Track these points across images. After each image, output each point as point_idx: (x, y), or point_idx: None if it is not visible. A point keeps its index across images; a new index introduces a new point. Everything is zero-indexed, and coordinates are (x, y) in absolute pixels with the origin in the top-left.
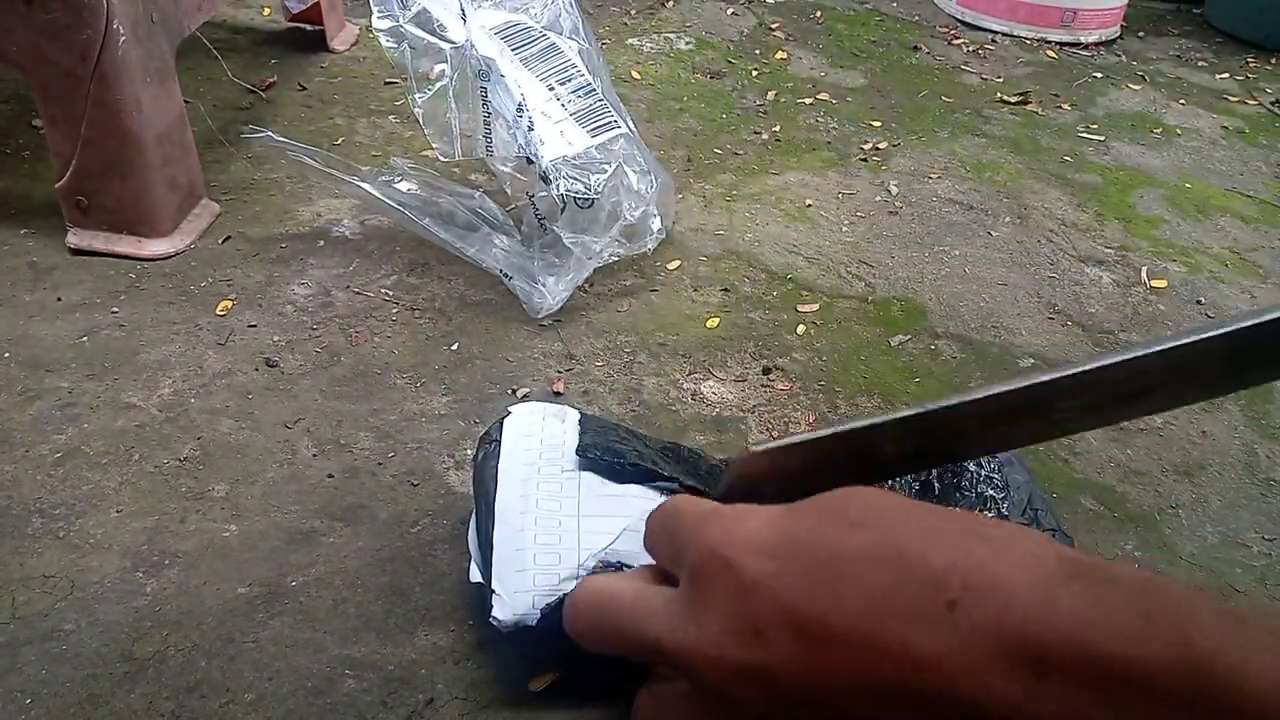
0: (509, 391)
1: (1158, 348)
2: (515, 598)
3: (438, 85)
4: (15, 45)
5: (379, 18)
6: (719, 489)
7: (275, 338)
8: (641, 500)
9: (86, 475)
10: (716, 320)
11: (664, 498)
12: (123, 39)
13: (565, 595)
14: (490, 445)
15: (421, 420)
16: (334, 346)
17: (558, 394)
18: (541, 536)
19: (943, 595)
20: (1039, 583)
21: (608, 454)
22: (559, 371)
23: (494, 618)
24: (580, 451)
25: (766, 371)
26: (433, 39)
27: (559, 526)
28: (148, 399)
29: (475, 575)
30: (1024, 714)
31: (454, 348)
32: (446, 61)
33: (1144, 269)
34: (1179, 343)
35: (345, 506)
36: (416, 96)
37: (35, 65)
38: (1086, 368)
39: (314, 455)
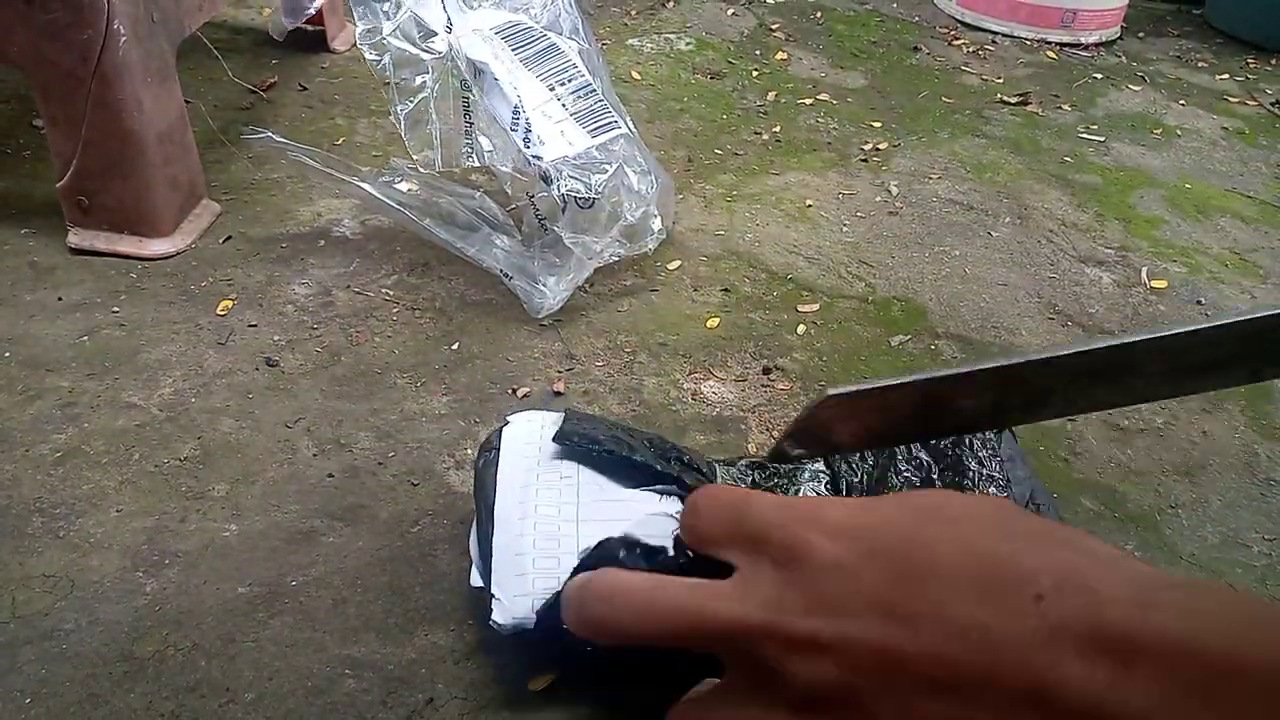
0: (509, 391)
1: (1239, 319)
2: (515, 601)
3: (419, 96)
4: (16, 45)
5: (361, 30)
6: (788, 429)
7: (276, 337)
8: (641, 504)
9: (87, 475)
10: (717, 320)
11: (664, 500)
12: (123, 39)
13: (559, 594)
14: (490, 453)
15: (422, 420)
16: (334, 346)
17: (558, 394)
18: (541, 541)
19: (1030, 590)
20: (1134, 589)
21: (585, 440)
22: (559, 371)
23: (494, 621)
24: (559, 438)
25: (767, 371)
26: (415, 50)
27: (558, 531)
28: (148, 398)
29: (476, 580)
30: (1104, 704)
31: (454, 347)
32: (428, 72)
33: (1144, 269)
34: (1261, 315)
35: (345, 506)
36: (399, 108)
37: (36, 65)
38: (1172, 332)
39: (314, 455)
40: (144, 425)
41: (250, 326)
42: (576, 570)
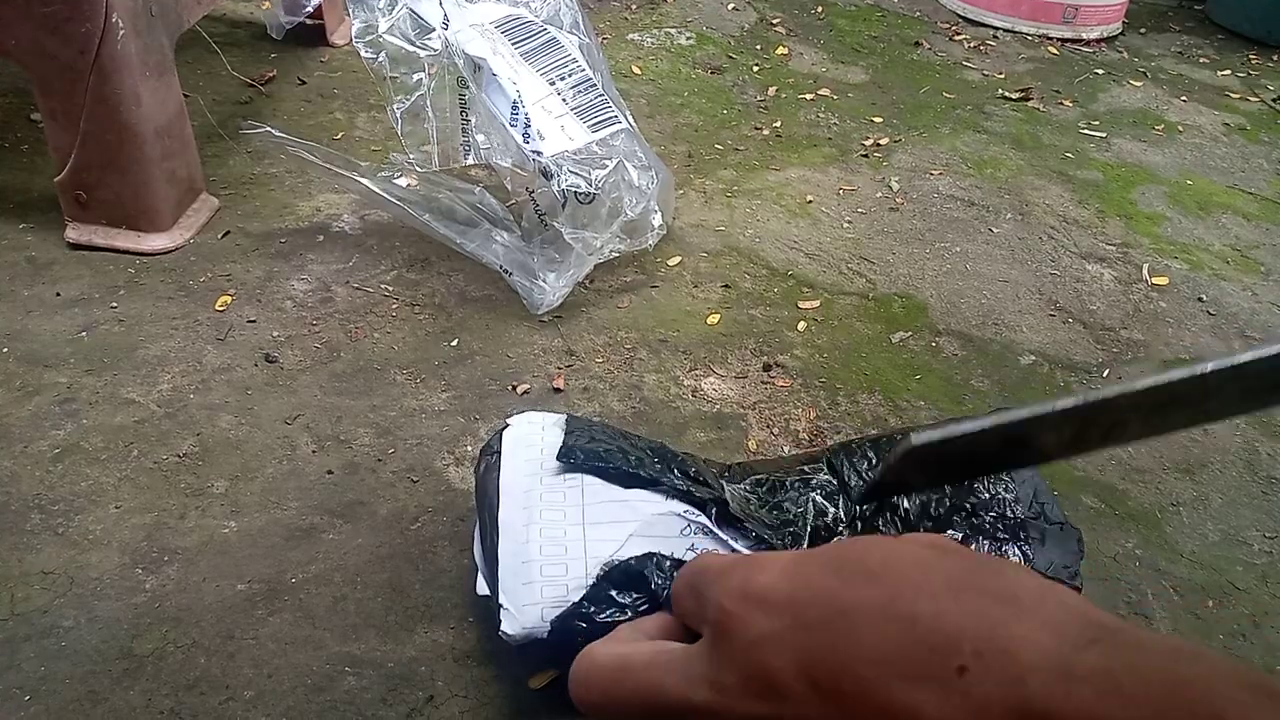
0: (509, 387)
1: None
2: (523, 611)
3: (415, 95)
4: (14, 39)
5: (357, 28)
6: (872, 480)
7: (275, 333)
8: (646, 505)
9: (85, 471)
10: (717, 316)
11: (669, 502)
12: (122, 33)
13: (575, 605)
14: (491, 457)
15: (421, 416)
16: (333, 342)
17: (558, 390)
18: (547, 548)
19: (952, 661)
20: (1056, 651)
21: (591, 457)
22: (559, 367)
23: (503, 632)
24: (562, 456)
25: (767, 368)
26: (411, 48)
27: (564, 536)
28: (147, 394)
29: (482, 588)
30: None
31: (454, 344)
32: (425, 70)
33: (1145, 266)
34: None
35: (345, 503)
36: (395, 105)
37: (34, 59)
38: (1247, 359)
39: (313, 451)
40: (143, 421)
41: (249, 322)
42: (601, 581)
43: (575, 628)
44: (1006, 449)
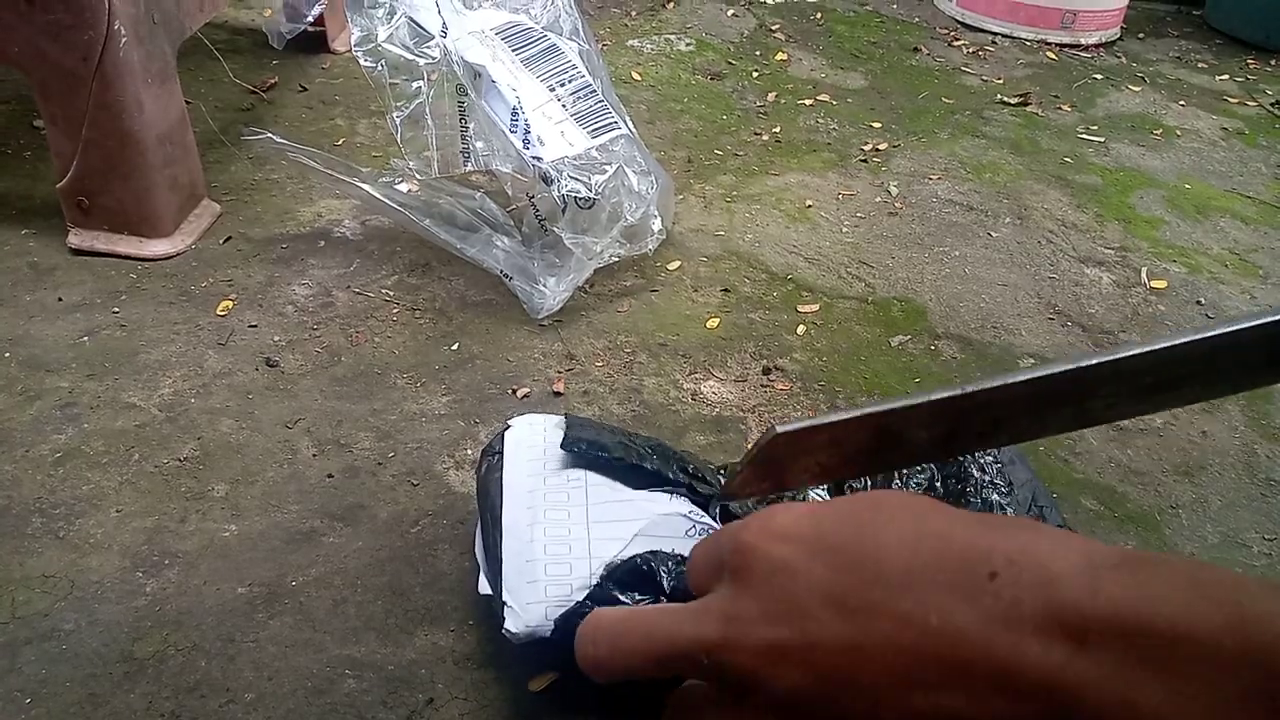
0: (509, 391)
1: (1191, 339)
2: (527, 609)
3: (414, 103)
4: (17, 45)
5: (357, 36)
6: (738, 467)
7: (276, 338)
8: (650, 504)
9: (86, 475)
10: (717, 321)
11: (674, 499)
12: (124, 40)
13: (579, 603)
14: (493, 458)
15: (421, 420)
16: (334, 346)
17: (558, 394)
18: (551, 547)
19: (984, 567)
20: (1085, 565)
21: (593, 446)
22: (559, 372)
23: (506, 630)
24: (566, 445)
25: (767, 372)
26: (410, 56)
27: (568, 535)
28: (148, 399)
29: (484, 588)
30: (1062, 680)
31: (454, 348)
32: (423, 78)
33: (1144, 270)
34: (1209, 335)
35: (345, 506)
36: (395, 116)
37: (37, 65)
38: (1128, 354)
39: (314, 455)
40: (144, 426)
41: (250, 327)
42: (605, 580)
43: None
44: (880, 442)
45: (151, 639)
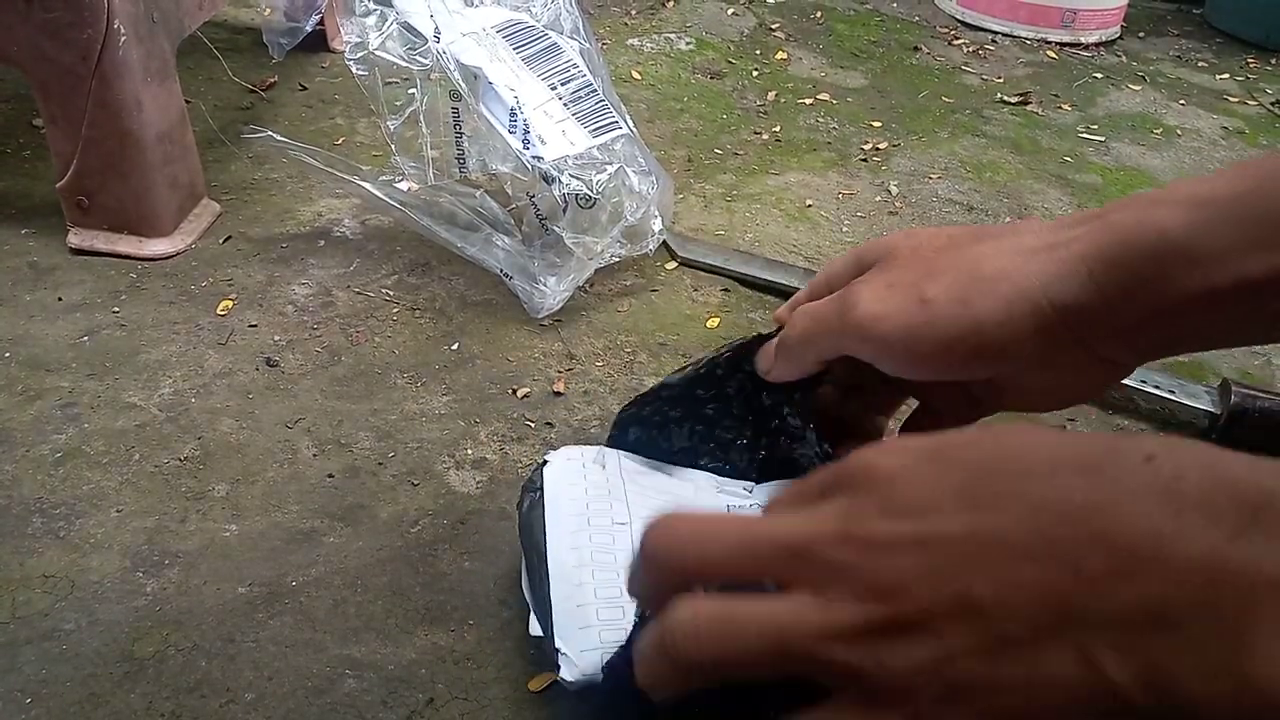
0: (509, 391)
1: None
2: (582, 656)
3: (408, 110)
4: (16, 44)
5: (349, 44)
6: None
7: (276, 337)
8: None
9: (87, 475)
10: (717, 320)
11: (721, 493)
12: (123, 38)
13: (624, 646)
14: (534, 494)
15: (422, 420)
16: (334, 346)
17: (558, 393)
18: (602, 590)
19: (1139, 453)
20: (1247, 456)
21: (642, 433)
22: (559, 371)
23: (562, 679)
24: (613, 440)
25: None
26: (403, 63)
27: (618, 579)
28: (148, 399)
29: (535, 629)
30: (1224, 558)
31: (454, 347)
32: (417, 85)
33: None
34: None
35: (345, 506)
36: (389, 123)
37: (36, 64)
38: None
39: (314, 455)
40: (144, 425)
41: (250, 327)
42: (642, 619)
43: (625, 671)
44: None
45: (151, 639)
